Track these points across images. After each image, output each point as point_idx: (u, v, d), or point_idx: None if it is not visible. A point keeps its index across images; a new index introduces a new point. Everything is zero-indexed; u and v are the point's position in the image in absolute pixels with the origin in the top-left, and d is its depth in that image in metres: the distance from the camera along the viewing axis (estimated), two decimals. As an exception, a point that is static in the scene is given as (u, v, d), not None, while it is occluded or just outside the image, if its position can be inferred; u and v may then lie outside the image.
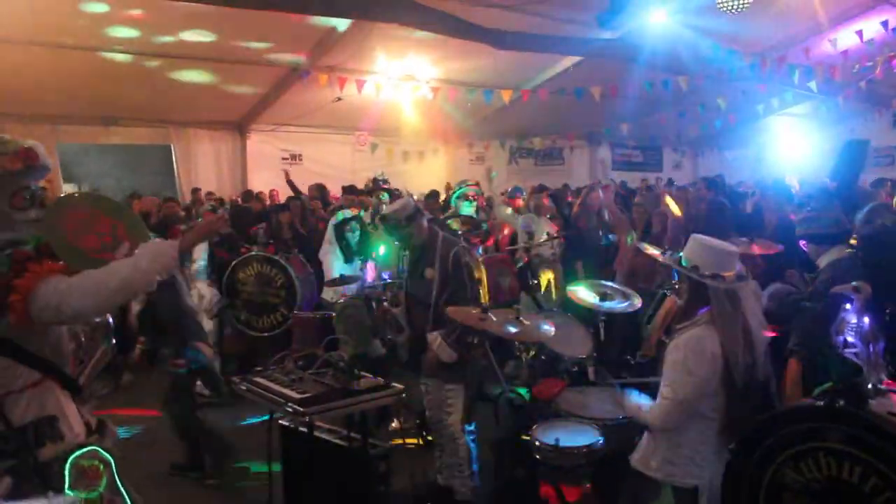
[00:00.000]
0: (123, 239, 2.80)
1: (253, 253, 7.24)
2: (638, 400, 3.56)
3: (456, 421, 4.74)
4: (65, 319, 2.58)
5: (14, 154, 2.64)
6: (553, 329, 4.45)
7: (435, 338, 4.66)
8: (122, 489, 2.69)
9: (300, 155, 14.81)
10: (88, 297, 2.49)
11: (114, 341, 3.14)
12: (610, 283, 5.26)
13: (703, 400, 3.23)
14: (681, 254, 3.42)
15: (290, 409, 3.82)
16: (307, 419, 4.02)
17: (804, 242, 4.47)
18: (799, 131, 18.75)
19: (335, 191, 12.13)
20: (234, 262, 7.05)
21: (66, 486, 2.51)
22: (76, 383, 2.81)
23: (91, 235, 2.75)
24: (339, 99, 12.12)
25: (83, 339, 2.97)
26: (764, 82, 13.15)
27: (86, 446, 2.65)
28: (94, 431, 2.83)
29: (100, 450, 2.67)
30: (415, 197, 10.67)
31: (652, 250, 5.12)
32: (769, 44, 12.55)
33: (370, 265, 6.95)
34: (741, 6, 7.93)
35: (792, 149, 18.41)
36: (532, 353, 5.25)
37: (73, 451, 2.59)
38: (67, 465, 2.53)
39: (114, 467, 2.68)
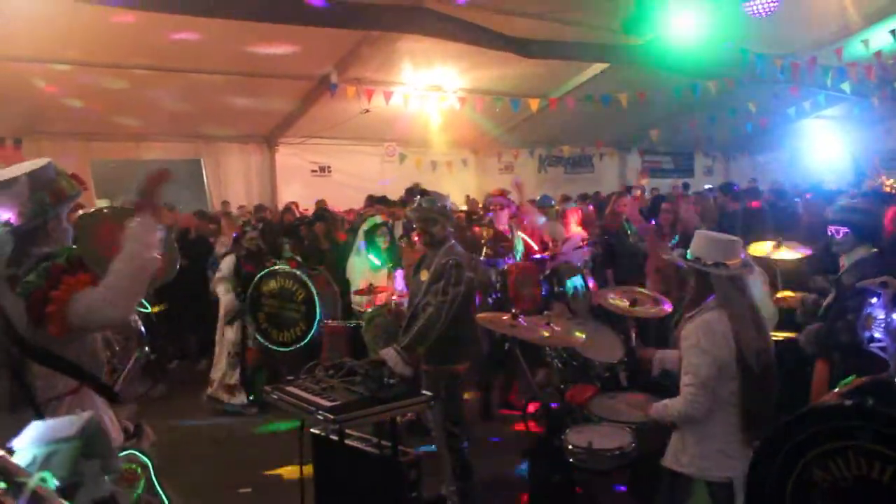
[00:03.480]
0: None
1: (276, 267, 7.30)
2: (665, 401, 3.55)
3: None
4: (110, 324, 2.72)
5: (71, 178, 2.83)
6: (584, 335, 4.45)
7: (388, 352, 4.60)
8: (159, 490, 2.74)
9: (329, 167, 14.90)
10: (123, 295, 2.62)
11: (147, 349, 3.19)
12: (640, 289, 5.22)
13: (724, 383, 3.30)
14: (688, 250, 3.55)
15: (320, 417, 3.84)
16: (338, 427, 4.05)
17: (837, 229, 4.34)
18: (833, 134, 18.48)
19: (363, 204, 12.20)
20: (258, 276, 7.12)
21: None
22: (112, 390, 2.90)
23: (119, 248, 2.82)
24: (367, 111, 12.17)
25: (117, 347, 3.03)
26: (795, 85, 12.97)
27: (123, 450, 2.70)
28: (132, 436, 2.91)
29: (137, 453, 2.73)
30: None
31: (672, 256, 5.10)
32: (800, 46, 12.40)
33: (399, 273, 6.96)
34: (769, 8, 7.83)
35: (826, 152, 18.15)
36: (563, 360, 5.22)
37: None
38: None
39: (151, 469, 2.73)
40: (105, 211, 3.01)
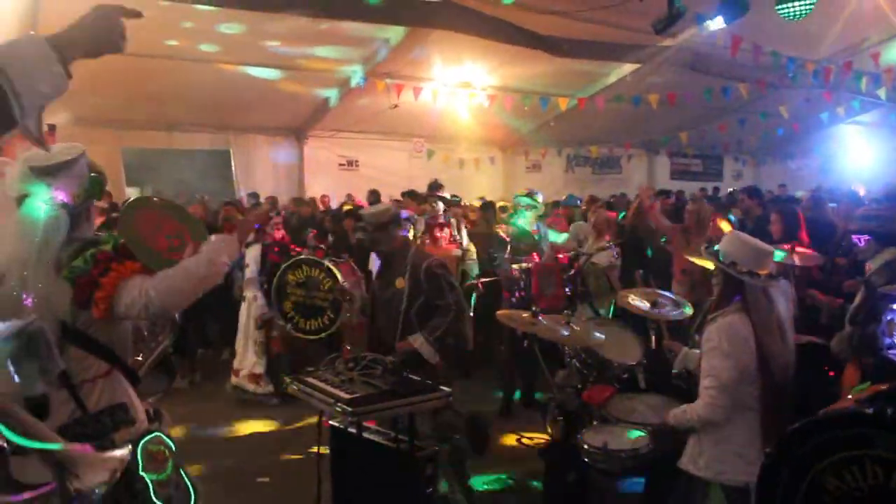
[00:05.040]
0: (188, 241, 2.94)
1: (302, 256, 7.33)
2: (683, 406, 3.54)
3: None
4: (149, 315, 2.73)
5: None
6: (603, 335, 4.45)
7: (416, 338, 4.72)
8: (183, 473, 2.80)
9: (356, 161, 14.99)
10: (174, 295, 2.68)
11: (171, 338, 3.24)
12: (662, 291, 5.20)
13: (744, 387, 3.28)
14: (717, 247, 3.47)
15: (339, 409, 3.87)
16: (356, 419, 4.09)
17: (861, 238, 4.34)
18: (867, 140, 18.20)
19: (389, 198, 12.24)
20: (284, 265, 7.16)
21: (139, 468, 2.63)
22: (136, 375, 2.96)
23: (161, 237, 2.88)
24: (396, 106, 12.23)
25: (145, 332, 3.09)
26: (828, 90, 12.80)
27: (151, 432, 2.78)
28: (153, 419, 2.97)
29: (163, 435, 2.80)
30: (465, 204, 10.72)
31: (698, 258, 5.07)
32: (834, 50, 12.24)
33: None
34: (802, 12, 7.73)
35: (860, 158, 17.89)
36: (582, 360, 5.20)
37: (142, 437, 2.72)
38: (139, 449, 2.66)
39: (174, 451, 2.80)
40: (153, 199, 3.05)
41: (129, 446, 2.55)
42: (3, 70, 1.67)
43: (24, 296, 2.54)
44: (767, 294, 3.35)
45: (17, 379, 2.01)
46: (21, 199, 2.61)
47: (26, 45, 1.75)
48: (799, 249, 5.14)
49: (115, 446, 2.65)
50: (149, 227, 2.86)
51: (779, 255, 5.32)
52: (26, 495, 2.35)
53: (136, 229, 2.85)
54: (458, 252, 7.67)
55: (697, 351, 3.73)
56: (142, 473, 2.63)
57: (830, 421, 2.84)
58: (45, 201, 2.60)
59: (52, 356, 2.19)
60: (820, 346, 4.39)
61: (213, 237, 2.88)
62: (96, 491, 2.22)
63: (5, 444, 2.17)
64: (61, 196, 2.65)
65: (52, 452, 2.11)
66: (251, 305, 7.57)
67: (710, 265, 5.65)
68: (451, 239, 7.88)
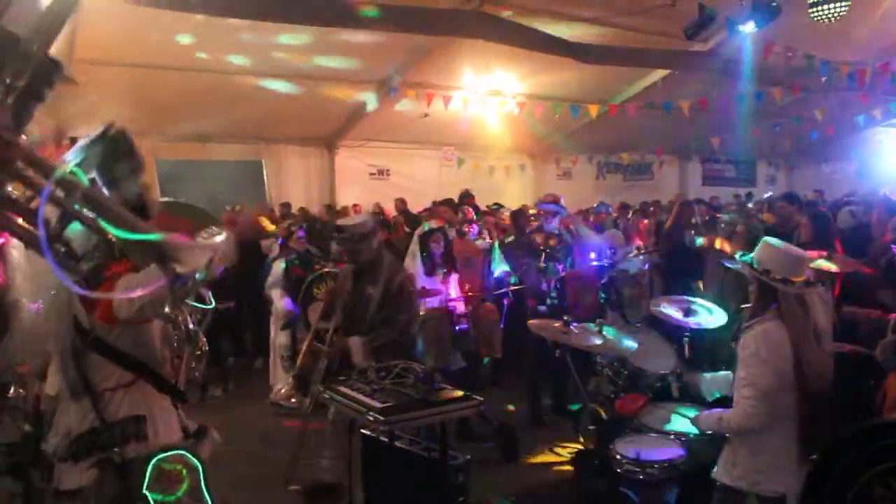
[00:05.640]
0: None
1: (326, 269, 7.40)
2: (719, 412, 3.50)
3: None
4: (154, 308, 2.57)
5: None
6: (636, 344, 4.42)
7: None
8: (206, 496, 2.76)
9: (387, 170, 15.04)
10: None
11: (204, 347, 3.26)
12: (695, 299, 5.15)
13: (782, 394, 3.23)
14: (751, 256, 3.44)
15: (370, 418, 3.89)
16: (387, 429, 4.10)
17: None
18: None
19: (420, 206, 12.29)
20: (309, 278, 7.23)
21: (144, 486, 2.61)
22: (174, 386, 2.92)
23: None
24: (427, 115, 12.28)
25: (175, 344, 3.09)
26: (863, 92, 12.59)
27: (172, 450, 2.74)
28: (191, 436, 2.94)
29: (188, 455, 2.76)
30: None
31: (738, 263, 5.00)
32: (870, 51, 12.05)
33: (453, 277, 6.99)
34: (836, 15, 7.64)
35: (897, 162, 17.57)
36: (614, 369, 5.17)
37: (156, 454, 2.69)
38: (150, 466, 2.64)
39: (201, 473, 2.76)
40: (168, 200, 3.08)
41: (227, 236, 2.48)
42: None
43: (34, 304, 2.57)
44: (803, 301, 3.30)
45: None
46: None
47: None
48: (836, 256, 5.04)
49: (122, 460, 2.65)
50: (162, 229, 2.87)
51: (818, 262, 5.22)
52: None
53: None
54: (484, 245, 7.68)
55: (720, 374, 3.67)
56: (144, 492, 2.60)
57: (879, 430, 2.80)
58: None
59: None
60: (862, 354, 4.31)
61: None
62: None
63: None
64: None
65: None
66: (279, 320, 7.66)
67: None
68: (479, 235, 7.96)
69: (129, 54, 9.42)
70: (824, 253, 5.06)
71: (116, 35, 8.65)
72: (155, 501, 2.61)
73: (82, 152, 2.10)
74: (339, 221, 5.73)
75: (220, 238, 2.35)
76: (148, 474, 2.62)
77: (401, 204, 12.41)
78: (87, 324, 2.68)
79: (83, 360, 2.71)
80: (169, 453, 2.71)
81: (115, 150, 2.27)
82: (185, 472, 2.72)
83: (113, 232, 2.03)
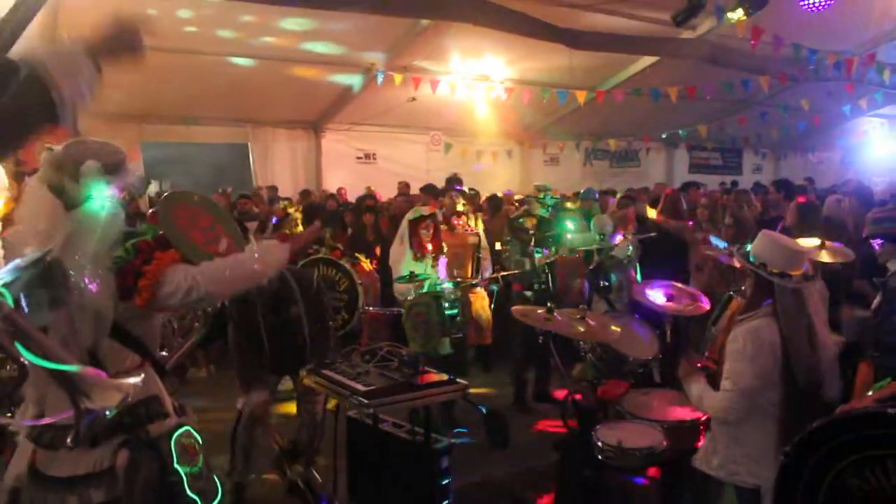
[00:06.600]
0: (221, 235, 2.98)
1: (319, 255, 7.36)
2: (702, 389, 3.52)
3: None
4: (190, 303, 2.76)
5: None
6: (619, 329, 4.44)
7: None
8: (209, 468, 2.83)
9: (374, 154, 14.99)
10: (219, 283, 2.73)
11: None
12: (678, 285, 5.18)
13: (763, 392, 3.24)
14: (748, 248, 3.42)
15: (355, 402, 3.91)
16: (371, 411, 4.12)
17: (877, 242, 4.28)
18: (891, 133, 17.98)
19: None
20: (301, 264, 7.20)
21: (175, 460, 2.67)
22: (164, 368, 3.01)
23: (196, 231, 2.92)
24: (414, 99, 12.24)
25: (175, 326, 3.13)
26: (850, 82, 12.65)
27: (182, 425, 2.81)
28: (179, 414, 2.99)
29: (192, 429, 2.84)
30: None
31: (716, 251, 5.05)
32: (858, 42, 12.10)
33: (442, 262, 6.98)
34: (825, 4, 7.66)
35: (883, 152, 17.67)
36: (598, 355, 5.20)
37: (175, 429, 2.75)
38: (172, 442, 2.69)
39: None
40: (177, 193, 3.09)
41: (142, 376, 2.59)
42: (48, 70, 1.81)
43: (87, 280, 2.56)
44: (799, 296, 3.26)
45: (26, 308, 2.06)
46: (64, 191, 2.61)
47: (67, 49, 1.91)
48: (829, 245, 5.05)
49: (150, 438, 2.71)
50: (185, 221, 2.89)
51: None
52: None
53: (174, 222, 2.89)
54: (474, 240, 7.66)
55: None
56: (176, 466, 2.66)
57: (850, 421, 2.81)
58: (107, 198, 2.66)
59: (66, 287, 2.24)
60: (843, 345, 4.32)
61: (270, 241, 2.97)
62: (107, 412, 2.26)
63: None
64: (117, 193, 2.73)
65: (67, 374, 2.15)
66: None
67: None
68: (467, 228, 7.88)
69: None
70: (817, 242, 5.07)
71: (100, 14, 8.55)
72: (185, 474, 2.67)
73: (15, 273, 2.13)
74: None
75: (134, 380, 2.40)
76: (173, 450, 2.68)
77: (404, 188, 12.34)
78: (112, 313, 2.71)
79: (97, 346, 2.73)
80: (183, 429, 2.78)
81: (45, 279, 2.35)
82: (197, 444, 2.79)
83: (27, 357, 2.09)
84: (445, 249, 7.00)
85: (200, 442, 2.83)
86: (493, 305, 7.50)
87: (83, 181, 2.60)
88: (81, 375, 2.19)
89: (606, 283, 7.12)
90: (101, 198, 2.64)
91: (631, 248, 7.23)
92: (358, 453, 4.77)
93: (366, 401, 3.84)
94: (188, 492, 2.66)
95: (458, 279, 6.91)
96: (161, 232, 2.83)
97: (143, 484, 2.60)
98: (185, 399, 3.13)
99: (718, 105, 14.78)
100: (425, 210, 7.36)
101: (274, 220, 8.73)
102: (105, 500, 2.62)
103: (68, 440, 2.60)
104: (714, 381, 3.47)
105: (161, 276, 2.65)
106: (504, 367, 7.85)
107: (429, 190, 10.18)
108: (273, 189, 12.80)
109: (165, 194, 3.02)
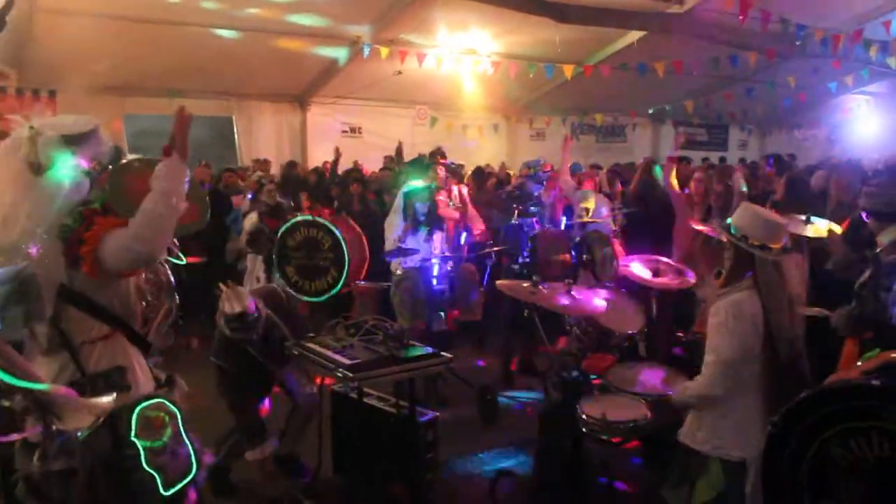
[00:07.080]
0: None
1: (298, 218, 7.27)
2: (684, 384, 3.56)
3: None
4: (139, 260, 2.78)
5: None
6: (604, 303, 4.44)
7: None
8: (186, 439, 2.80)
9: (359, 128, 14.92)
10: (151, 227, 2.68)
11: (177, 300, 3.25)
12: (664, 259, 5.19)
13: (746, 365, 3.25)
14: (729, 220, 3.42)
15: (339, 375, 3.90)
16: (356, 385, 4.11)
17: (867, 217, 4.28)
18: (876, 111, 18.01)
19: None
20: (281, 230, 7.12)
21: (132, 433, 2.64)
22: (144, 339, 3.01)
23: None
24: (400, 72, 12.15)
25: (150, 298, 3.11)
26: (836, 58, 12.62)
27: (153, 398, 2.79)
28: (162, 385, 3.04)
29: (166, 402, 2.81)
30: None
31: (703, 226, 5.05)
32: (846, 18, 12.07)
33: (437, 236, 6.95)
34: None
35: (868, 129, 17.70)
36: (583, 329, 5.21)
37: (140, 402, 2.73)
38: (134, 415, 2.66)
39: (179, 419, 2.80)
40: (136, 164, 3.04)
41: (114, 395, 2.62)
42: None
43: (30, 247, 2.59)
44: (779, 268, 3.28)
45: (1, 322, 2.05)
46: (35, 162, 2.65)
47: None
48: (815, 220, 5.05)
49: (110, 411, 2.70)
50: (137, 188, 2.84)
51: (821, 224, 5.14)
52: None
53: (125, 187, 2.86)
54: (460, 210, 7.65)
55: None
56: (133, 439, 2.63)
57: (836, 393, 2.83)
58: (71, 168, 2.72)
59: (41, 302, 2.23)
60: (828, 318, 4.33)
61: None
62: (78, 433, 2.26)
63: None
64: (84, 164, 2.77)
65: (37, 393, 2.15)
66: (250, 279, 7.57)
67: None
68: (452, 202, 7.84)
69: (95, 4, 9.17)
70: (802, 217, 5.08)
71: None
72: (143, 448, 2.64)
73: None
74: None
75: (108, 399, 2.37)
76: (133, 422, 2.64)
77: (389, 161, 12.24)
78: (67, 279, 2.74)
79: (60, 315, 2.76)
80: (150, 401, 2.74)
81: (20, 294, 2.33)
82: (167, 418, 2.75)
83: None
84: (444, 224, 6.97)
85: (176, 415, 2.79)
86: (486, 280, 7.49)
87: (43, 151, 2.64)
88: (52, 395, 2.18)
89: (590, 257, 7.12)
90: (65, 167, 2.69)
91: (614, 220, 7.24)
92: (343, 426, 4.77)
93: (350, 374, 3.84)
94: (145, 466, 2.63)
95: (447, 254, 6.90)
96: (110, 199, 2.83)
97: (93, 455, 2.59)
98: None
99: (705, 80, 14.74)
100: (419, 184, 7.29)
101: (250, 195, 8.66)
102: (64, 468, 2.64)
103: (34, 459, 2.61)
104: (702, 353, 3.48)
105: (101, 241, 2.66)
106: (497, 342, 7.85)
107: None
108: (265, 163, 12.66)
109: (114, 167, 2.99)
